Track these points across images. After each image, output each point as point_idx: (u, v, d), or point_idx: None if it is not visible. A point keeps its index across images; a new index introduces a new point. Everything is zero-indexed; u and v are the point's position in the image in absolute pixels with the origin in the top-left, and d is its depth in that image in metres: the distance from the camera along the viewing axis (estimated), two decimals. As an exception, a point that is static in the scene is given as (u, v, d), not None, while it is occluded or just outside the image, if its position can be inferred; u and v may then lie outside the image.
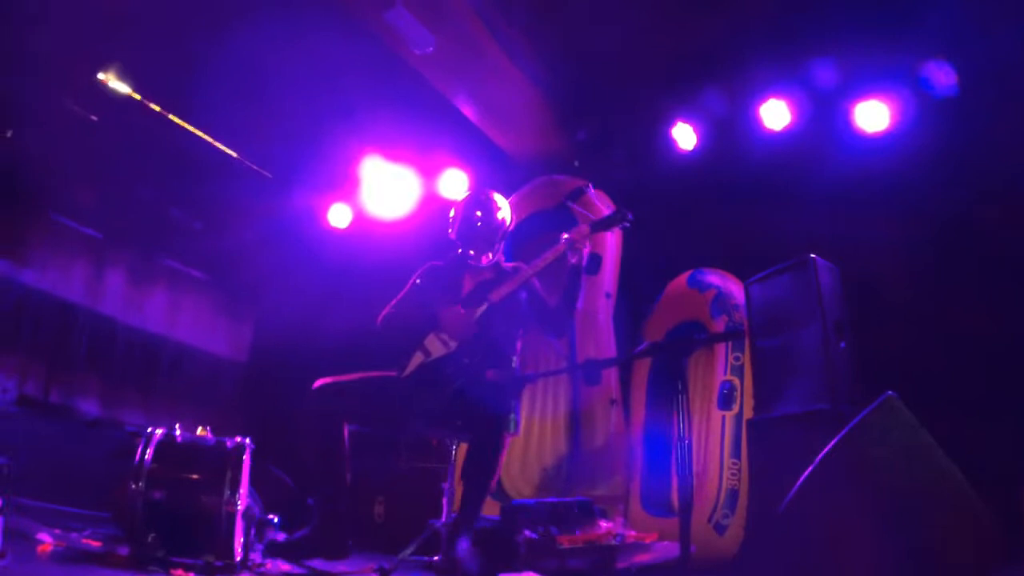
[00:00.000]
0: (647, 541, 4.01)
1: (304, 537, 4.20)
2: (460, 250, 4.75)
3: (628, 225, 4.54)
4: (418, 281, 4.76)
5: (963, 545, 3.26)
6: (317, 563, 4.16)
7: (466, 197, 4.89)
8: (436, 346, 4.43)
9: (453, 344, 4.40)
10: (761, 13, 5.80)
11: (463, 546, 3.99)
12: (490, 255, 4.74)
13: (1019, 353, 4.92)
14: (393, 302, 4.67)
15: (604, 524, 4.18)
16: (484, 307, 4.46)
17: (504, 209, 4.81)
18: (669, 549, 3.92)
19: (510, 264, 4.81)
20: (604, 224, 4.58)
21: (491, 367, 4.42)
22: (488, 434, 4.17)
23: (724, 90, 6.44)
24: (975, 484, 3.33)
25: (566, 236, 4.46)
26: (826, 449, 3.39)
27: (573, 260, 4.47)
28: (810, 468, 3.35)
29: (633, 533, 4.08)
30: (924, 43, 5.57)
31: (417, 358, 4.44)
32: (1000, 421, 4.76)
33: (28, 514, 4.63)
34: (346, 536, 4.21)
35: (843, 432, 3.44)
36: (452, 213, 4.84)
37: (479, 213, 4.73)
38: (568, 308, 4.58)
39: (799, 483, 3.32)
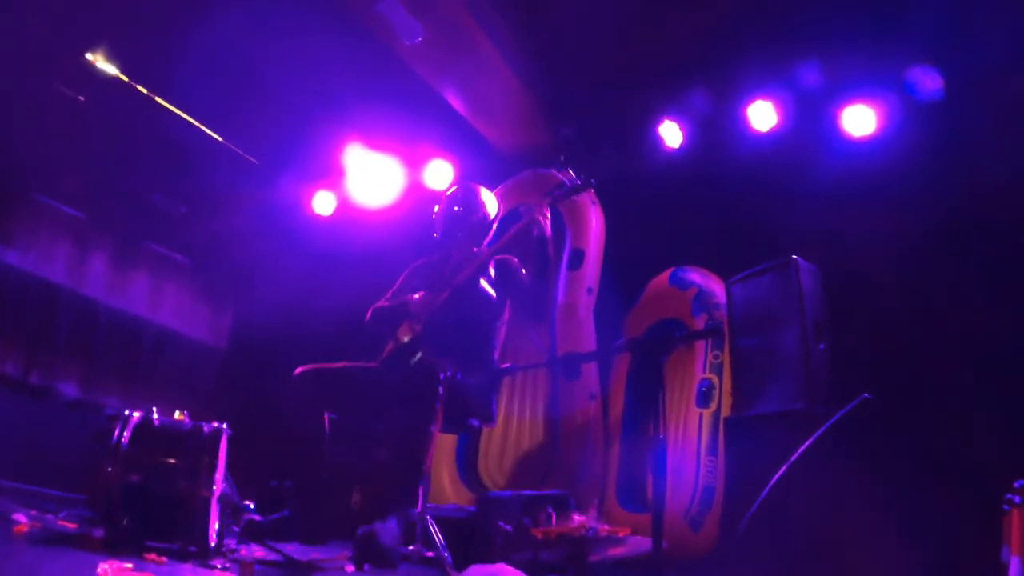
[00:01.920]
0: (620, 535, 4.03)
1: (282, 519, 4.22)
2: (444, 246, 4.77)
3: (592, 188, 4.59)
4: (406, 278, 4.80)
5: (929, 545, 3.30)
6: (292, 548, 4.17)
7: (449, 193, 4.90)
8: (406, 332, 4.47)
9: (419, 327, 4.43)
10: (750, 14, 5.82)
11: (391, 527, 3.87)
12: (475, 250, 4.75)
13: (1000, 355, 4.95)
14: (382, 300, 4.72)
15: (577, 517, 4.21)
16: (448, 291, 4.49)
17: (488, 203, 4.81)
18: (641, 543, 3.95)
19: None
20: (566, 192, 4.61)
21: (458, 350, 4.45)
22: (418, 415, 4.15)
23: (711, 90, 6.45)
24: (954, 485, 3.37)
25: (524, 209, 4.50)
26: (801, 449, 3.43)
27: (535, 232, 4.48)
28: (784, 467, 3.39)
29: (606, 527, 4.10)
30: (910, 48, 5.59)
31: (389, 346, 4.49)
32: (979, 423, 4.79)
33: (4, 494, 4.64)
34: (323, 522, 4.22)
35: (818, 432, 3.48)
36: (436, 209, 4.84)
37: (462, 208, 4.74)
38: (538, 279, 4.61)
39: (773, 481, 3.36)
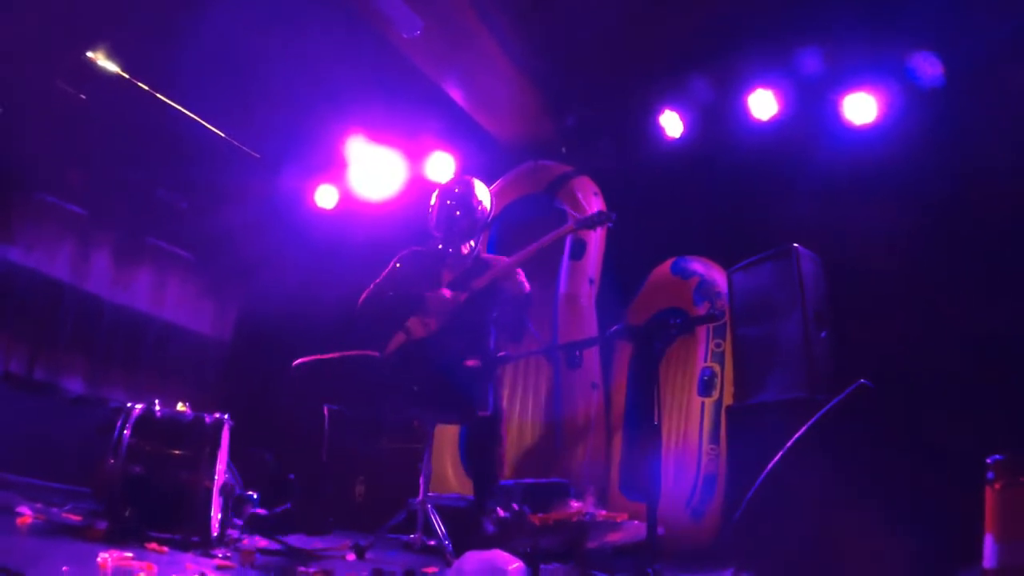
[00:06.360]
0: (618, 520, 4.03)
1: (285, 512, 4.24)
2: (439, 240, 4.75)
3: (611, 225, 4.61)
4: (398, 265, 4.77)
5: (923, 534, 3.30)
6: (295, 539, 4.19)
7: (446, 185, 4.87)
8: (418, 328, 4.46)
9: (434, 326, 4.43)
10: (750, 3, 5.80)
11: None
12: (471, 244, 4.74)
13: (999, 344, 4.94)
14: (373, 285, 4.69)
15: (575, 504, 4.21)
16: (467, 294, 4.48)
17: (485, 199, 4.80)
18: (640, 529, 3.94)
19: (489, 256, 4.84)
20: (590, 224, 4.64)
21: (471, 352, 4.44)
22: (481, 422, 4.22)
23: (712, 79, 6.44)
24: (951, 474, 3.36)
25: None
26: (797, 434, 3.43)
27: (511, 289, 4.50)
28: (781, 452, 3.39)
29: (603, 512, 4.11)
30: (911, 35, 5.58)
31: (399, 338, 4.48)
32: (978, 411, 4.79)
33: (10, 488, 4.67)
34: (327, 513, 4.23)
35: (815, 418, 3.48)
36: (432, 201, 4.82)
37: (458, 204, 4.72)
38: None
39: (769, 468, 3.37)
